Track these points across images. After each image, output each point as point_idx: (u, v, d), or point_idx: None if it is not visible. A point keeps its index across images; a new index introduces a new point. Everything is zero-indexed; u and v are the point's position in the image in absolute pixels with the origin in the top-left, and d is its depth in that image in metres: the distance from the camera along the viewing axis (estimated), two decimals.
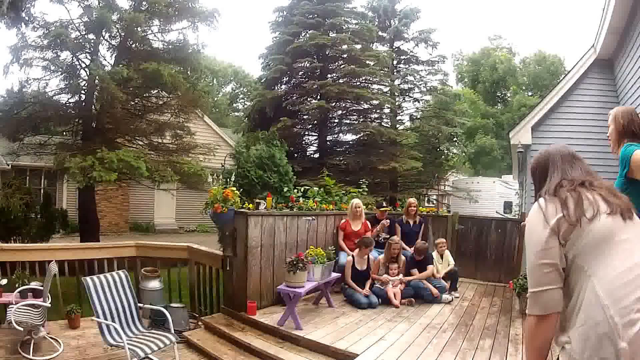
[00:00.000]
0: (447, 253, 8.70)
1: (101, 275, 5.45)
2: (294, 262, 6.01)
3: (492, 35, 50.05)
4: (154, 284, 6.94)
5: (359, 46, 20.49)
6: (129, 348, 4.57)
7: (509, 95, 42.53)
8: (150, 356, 4.77)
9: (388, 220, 8.68)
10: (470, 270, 9.99)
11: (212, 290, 7.40)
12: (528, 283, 1.97)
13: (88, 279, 5.25)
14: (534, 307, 1.91)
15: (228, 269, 6.72)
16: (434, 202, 25.66)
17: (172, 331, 5.23)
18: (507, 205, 24.00)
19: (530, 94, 41.15)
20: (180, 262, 7.84)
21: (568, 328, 1.86)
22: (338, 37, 19.90)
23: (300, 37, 20.63)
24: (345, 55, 20.55)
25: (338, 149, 21.51)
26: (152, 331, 5.32)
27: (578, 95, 9.86)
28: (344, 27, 20.73)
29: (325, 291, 7.08)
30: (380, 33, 23.26)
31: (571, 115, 9.83)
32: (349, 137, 22.04)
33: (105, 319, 5.05)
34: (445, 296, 7.84)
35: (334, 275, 7.19)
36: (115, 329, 4.93)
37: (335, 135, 22.11)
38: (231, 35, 78.93)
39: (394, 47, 24.05)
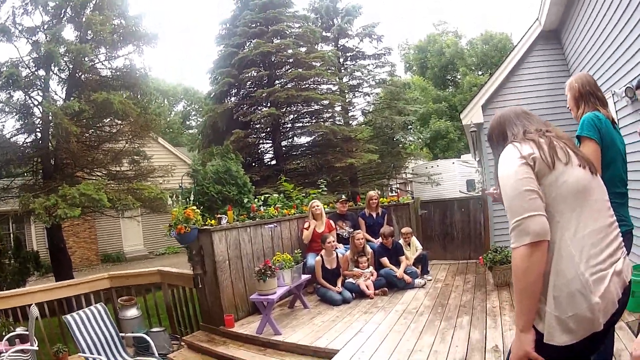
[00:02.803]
0: (414, 239, 8.86)
1: (80, 312, 5.48)
2: (262, 271, 6.05)
3: (437, 21, 50.76)
4: (132, 312, 6.88)
5: (304, 49, 20.53)
6: None
7: (459, 77, 42.85)
8: None
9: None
10: (439, 252, 10.21)
11: (189, 309, 7.40)
12: (509, 214, 1.89)
13: (69, 316, 5.28)
14: (524, 236, 1.81)
15: (200, 286, 6.73)
16: (397, 190, 25.92)
17: (157, 355, 5.32)
18: (470, 184, 24.31)
19: (480, 73, 41.61)
20: (154, 287, 7.80)
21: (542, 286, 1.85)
22: (282, 42, 19.90)
23: (245, 47, 20.59)
24: (291, 60, 20.59)
25: (294, 153, 21.58)
26: (138, 358, 5.39)
27: (526, 69, 10.05)
28: (287, 32, 20.73)
29: (298, 294, 7.16)
30: (324, 33, 23.41)
31: (521, 89, 10.02)
32: (304, 139, 22.13)
33: (92, 353, 5.09)
34: (418, 281, 7.96)
35: (305, 277, 7.25)
36: None
37: (290, 140, 22.16)
38: (180, 55, 78.42)
39: (339, 46, 24.17)
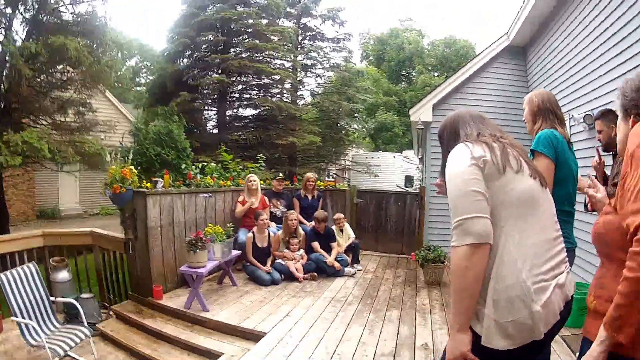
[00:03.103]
0: (347, 226, 8.89)
1: (13, 270, 5.16)
2: (193, 242, 5.94)
3: (404, 17, 50.90)
4: (64, 275, 6.62)
5: (265, 21, 20.09)
6: (49, 347, 4.48)
7: (414, 74, 43.02)
8: (69, 353, 4.70)
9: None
10: (371, 243, 10.28)
11: (119, 276, 7.18)
12: (453, 213, 1.88)
13: (2, 275, 4.96)
14: (466, 236, 1.80)
15: (131, 252, 6.54)
16: (334, 176, 25.91)
17: (86, 324, 5.15)
18: (408, 179, 24.67)
19: (436, 74, 41.88)
20: (86, 249, 7.42)
21: (481, 289, 1.84)
22: (245, 11, 19.42)
23: (208, 10, 19.97)
24: (250, 30, 20.08)
25: (237, 124, 21.13)
26: (67, 326, 5.20)
27: (485, 78, 10.34)
28: (252, 1, 20.29)
29: (227, 270, 7.11)
30: (288, 9, 22.98)
31: (475, 96, 10.30)
32: (249, 111, 21.75)
33: (23, 317, 4.87)
34: (348, 269, 8.04)
35: (235, 252, 7.16)
36: (34, 327, 4.79)
37: (235, 110, 21.67)
38: (145, 8, 75.28)
39: (300, 24, 23.81)
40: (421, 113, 10.32)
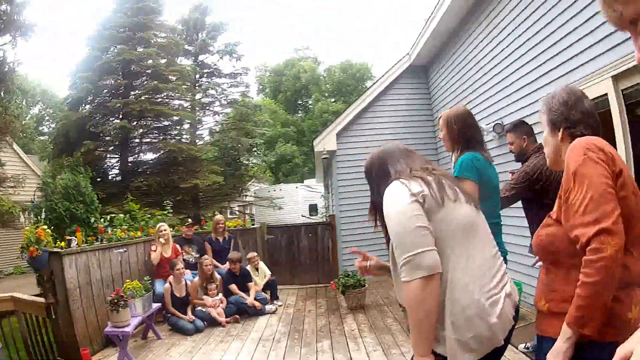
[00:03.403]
0: (261, 264, 8.84)
1: None
2: (115, 301, 5.66)
3: (299, 46, 51.56)
4: None
5: (164, 60, 19.89)
6: None
7: (310, 102, 43.55)
8: None
9: None
10: (287, 276, 10.19)
11: (45, 341, 6.48)
12: (400, 250, 1.92)
13: None
14: (417, 270, 1.85)
15: (54, 316, 5.92)
16: (237, 213, 25.64)
17: None
18: (313, 208, 24.77)
19: (333, 100, 42.60)
20: (8, 314, 6.69)
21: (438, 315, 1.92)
22: (145, 51, 19.10)
23: (109, 52, 19.41)
24: (149, 71, 19.71)
25: (139, 170, 20.45)
26: None
27: (387, 101, 10.65)
28: (152, 41, 19.93)
29: (150, 323, 6.78)
30: (186, 47, 22.99)
31: (379, 119, 10.57)
32: (150, 156, 21.23)
33: None
34: (269, 307, 7.99)
35: (155, 305, 6.88)
36: None
37: (137, 156, 21.04)
38: (51, 51, 71.08)
39: (198, 61, 23.81)
40: (325, 143, 10.45)
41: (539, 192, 3.85)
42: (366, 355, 5.29)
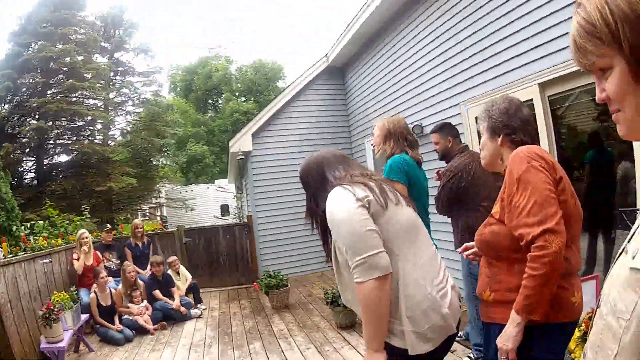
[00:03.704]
0: (182, 268, 8.83)
1: None
2: (47, 315, 5.49)
3: (213, 45, 50.37)
4: None
5: (81, 58, 19.17)
6: None
7: (221, 102, 42.93)
8: None
9: None
10: (207, 279, 10.15)
11: None
12: (352, 253, 1.99)
13: None
14: (372, 270, 1.94)
15: None
16: (148, 215, 25.04)
17: None
18: (225, 208, 24.64)
19: (243, 100, 42.10)
20: None
21: (393, 311, 2.03)
22: (64, 48, 18.32)
23: (30, 49, 18.46)
24: (66, 69, 18.94)
25: (54, 174, 19.61)
26: None
27: (304, 101, 10.79)
28: (72, 37, 19.20)
29: (81, 336, 6.59)
30: (103, 43, 22.18)
31: (295, 119, 10.70)
32: (64, 158, 20.45)
33: None
34: (194, 311, 7.99)
35: (84, 316, 6.66)
36: None
37: (52, 158, 20.20)
38: None
39: (114, 59, 23.06)
40: (241, 143, 10.46)
41: (462, 190, 4.04)
42: (300, 355, 5.44)
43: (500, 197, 2.19)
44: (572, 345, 3.31)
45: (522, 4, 5.02)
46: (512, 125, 2.29)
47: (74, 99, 19.29)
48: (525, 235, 1.94)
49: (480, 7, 5.75)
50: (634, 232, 0.92)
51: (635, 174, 3.93)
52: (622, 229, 4.33)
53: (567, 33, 1.96)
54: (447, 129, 4.60)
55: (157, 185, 25.51)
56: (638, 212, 3.78)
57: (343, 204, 2.07)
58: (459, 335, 4.88)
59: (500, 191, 2.21)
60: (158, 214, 27.01)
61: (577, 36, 0.90)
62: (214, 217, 22.34)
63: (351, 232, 2.00)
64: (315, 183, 2.34)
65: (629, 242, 0.93)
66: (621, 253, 0.94)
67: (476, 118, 5.12)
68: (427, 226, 3.52)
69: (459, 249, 2.69)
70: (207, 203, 25.73)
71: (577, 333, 3.27)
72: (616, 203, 4.67)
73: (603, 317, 0.91)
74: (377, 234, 2.00)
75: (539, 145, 2.30)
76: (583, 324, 3.30)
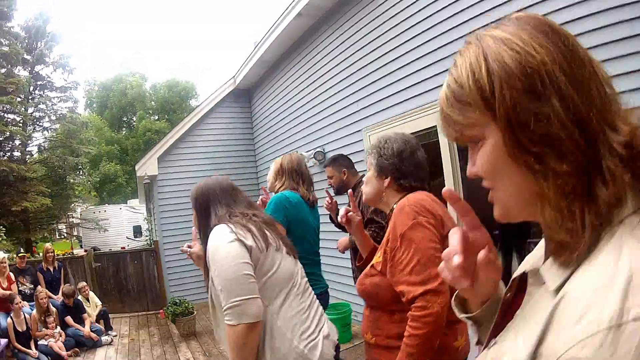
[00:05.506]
0: (91, 294, 8.98)
1: None
2: None
3: (128, 60, 48.68)
4: None
5: (3, 70, 18.93)
6: None
7: (134, 120, 42.02)
8: None
9: None
10: (117, 305, 10.25)
11: None
12: (226, 294, 2.00)
13: None
14: (243, 316, 1.96)
15: None
16: (65, 234, 24.54)
17: None
18: (137, 230, 24.38)
19: (156, 118, 41.55)
20: None
21: (259, 359, 2.07)
22: None
23: None
24: None
25: None
26: None
27: (210, 124, 10.84)
28: None
29: (2, 359, 6.78)
30: (25, 56, 21.59)
31: (201, 142, 10.77)
32: None
33: None
34: (105, 338, 8.14)
35: (3, 341, 6.87)
36: None
37: None
38: None
39: (33, 72, 22.55)
40: (147, 167, 10.37)
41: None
42: None
43: (382, 247, 2.12)
44: None
45: (424, 31, 5.23)
46: (403, 169, 2.18)
47: None
48: (407, 293, 1.88)
49: (384, 33, 5.93)
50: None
51: None
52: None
53: None
54: (339, 161, 4.53)
55: (72, 205, 25.18)
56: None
57: (224, 244, 2.07)
58: None
59: (383, 240, 2.12)
60: (75, 233, 26.37)
61: (443, 100, 0.79)
62: (127, 238, 22.22)
63: (227, 273, 2.01)
64: (201, 213, 2.33)
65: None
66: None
67: None
68: (318, 266, 3.58)
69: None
70: (120, 224, 25.39)
71: None
72: (531, 233, 4.58)
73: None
74: (253, 279, 2.03)
75: (440, 179, 2.36)
76: None
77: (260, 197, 3.92)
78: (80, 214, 26.26)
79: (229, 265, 2.02)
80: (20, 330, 7.27)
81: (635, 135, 0.68)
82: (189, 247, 2.59)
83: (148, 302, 10.48)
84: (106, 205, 29.08)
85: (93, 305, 8.81)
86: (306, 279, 2.40)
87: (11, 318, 7.26)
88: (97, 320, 8.59)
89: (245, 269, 2.02)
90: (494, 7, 4.29)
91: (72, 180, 23.87)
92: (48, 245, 9.41)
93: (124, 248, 14.81)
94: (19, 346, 7.17)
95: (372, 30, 6.21)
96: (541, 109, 0.67)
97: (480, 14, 4.44)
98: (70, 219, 25.64)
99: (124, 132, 42.55)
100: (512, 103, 0.68)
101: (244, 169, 10.93)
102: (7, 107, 19.61)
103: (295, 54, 8.53)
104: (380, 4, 6.01)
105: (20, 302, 7.41)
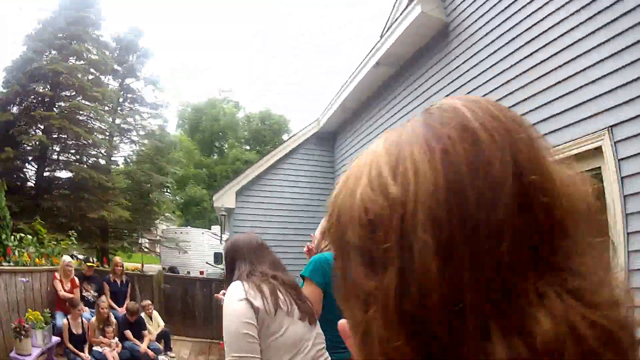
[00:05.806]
0: (155, 314, 8.96)
1: None
2: (18, 330, 5.70)
3: (224, 88, 50.49)
4: None
5: (92, 77, 19.49)
6: None
7: (225, 147, 42.42)
8: None
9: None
10: (180, 328, 10.17)
11: None
12: (228, 347, 2.03)
13: None
14: None
15: None
16: (146, 249, 25.08)
17: None
18: (217, 257, 24.48)
19: (248, 148, 41.70)
20: None
21: None
22: (76, 65, 18.63)
23: (45, 56, 18.70)
24: (77, 85, 19.04)
25: (53, 189, 19.57)
26: None
27: (291, 164, 10.52)
28: (85, 55, 19.43)
29: (51, 357, 6.79)
30: (116, 67, 22.28)
31: (280, 182, 10.44)
32: (64, 174, 20.36)
33: None
34: (162, 357, 8.10)
35: (55, 339, 6.92)
36: None
37: (52, 172, 20.19)
38: None
39: (124, 84, 23.21)
40: (225, 199, 10.19)
41: None
42: None
43: None
44: None
45: (502, 85, 5.20)
46: None
47: (79, 119, 19.39)
48: None
49: (458, 80, 5.99)
50: None
51: None
52: None
53: None
54: None
55: (155, 221, 25.60)
56: None
57: (234, 300, 2.09)
58: None
59: None
60: (157, 250, 27.11)
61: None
62: (207, 263, 22.44)
63: (232, 328, 2.03)
64: (227, 267, 2.41)
65: None
66: None
67: None
68: None
69: None
70: (201, 248, 25.59)
71: None
72: None
73: None
74: (254, 340, 2.02)
75: None
76: None
77: (307, 244, 3.72)
78: (162, 232, 26.95)
79: (233, 321, 2.04)
80: (75, 333, 7.24)
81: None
82: (224, 294, 2.49)
83: (212, 331, 10.13)
84: (189, 227, 29.63)
85: (155, 324, 8.73)
86: (323, 345, 2.31)
87: (67, 319, 7.25)
88: (158, 340, 8.50)
89: (246, 329, 2.02)
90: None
91: (156, 197, 24.19)
92: (118, 258, 9.45)
93: (202, 272, 14.92)
94: (71, 347, 7.12)
95: (447, 79, 6.25)
96: None
97: (551, 71, 4.41)
98: (153, 235, 26.23)
99: (214, 157, 43.17)
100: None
101: (320, 213, 10.63)
102: (95, 114, 20.04)
103: (375, 102, 8.49)
104: (457, 56, 6.08)
105: (80, 308, 7.42)
